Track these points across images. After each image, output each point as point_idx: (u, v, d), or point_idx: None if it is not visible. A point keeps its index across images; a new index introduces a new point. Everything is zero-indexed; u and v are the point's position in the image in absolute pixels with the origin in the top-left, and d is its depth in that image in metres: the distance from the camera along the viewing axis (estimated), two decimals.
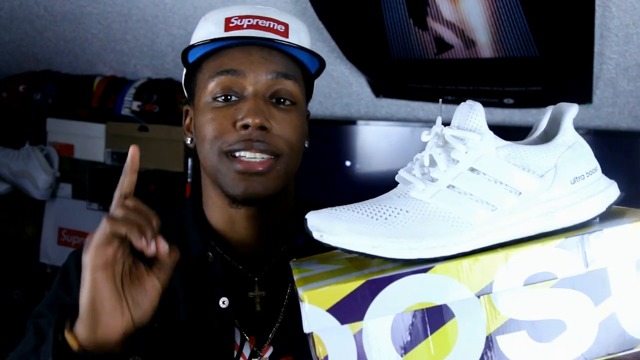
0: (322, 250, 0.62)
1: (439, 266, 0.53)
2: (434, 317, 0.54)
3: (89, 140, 2.19)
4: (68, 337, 0.64)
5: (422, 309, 0.54)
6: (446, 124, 0.60)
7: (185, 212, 0.88)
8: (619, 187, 0.64)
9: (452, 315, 0.54)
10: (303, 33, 0.84)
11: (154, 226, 0.65)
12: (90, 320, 0.63)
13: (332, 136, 1.90)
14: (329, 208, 0.58)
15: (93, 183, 2.13)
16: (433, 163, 0.59)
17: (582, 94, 1.57)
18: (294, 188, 0.89)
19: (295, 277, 0.61)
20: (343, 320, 0.53)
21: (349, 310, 0.53)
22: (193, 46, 0.79)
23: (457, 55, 1.53)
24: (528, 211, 0.57)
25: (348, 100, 1.93)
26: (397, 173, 0.62)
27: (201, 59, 0.82)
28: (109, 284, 0.63)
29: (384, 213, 0.56)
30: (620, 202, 0.64)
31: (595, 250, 0.55)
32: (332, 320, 0.53)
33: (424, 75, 1.68)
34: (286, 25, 0.81)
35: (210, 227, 0.86)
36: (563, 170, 0.58)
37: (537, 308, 0.55)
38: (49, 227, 2.30)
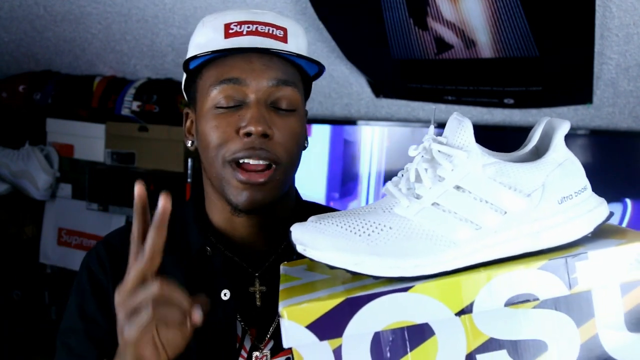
0: None
1: (419, 285, 0.53)
2: (414, 335, 0.54)
3: (89, 140, 2.19)
4: None
5: (402, 327, 0.54)
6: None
7: (187, 211, 0.90)
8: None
9: (432, 333, 0.54)
10: (301, 36, 0.85)
11: (186, 304, 0.65)
12: None
13: (332, 136, 1.90)
14: (314, 221, 0.58)
15: (93, 183, 2.13)
16: (418, 179, 0.58)
17: (583, 94, 1.57)
18: (294, 189, 0.92)
19: (281, 287, 0.61)
20: (322, 337, 0.53)
21: (328, 327, 0.53)
22: (195, 57, 0.80)
23: (457, 55, 1.53)
24: (513, 231, 0.56)
25: (348, 100, 1.93)
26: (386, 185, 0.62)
27: (201, 66, 0.83)
28: (151, 348, 0.65)
29: (368, 229, 0.56)
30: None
31: (579, 273, 0.54)
32: (311, 337, 0.53)
33: (424, 75, 1.68)
34: (285, 30, 0.82)
35: (212, 226, 0.88)
36: (551, 190, 0.58)
37: (519, 328, 0.55)
38: (49, 227, 2.30)
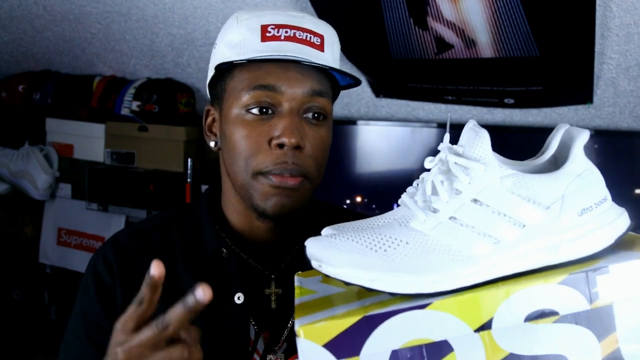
0: None
1: (437, 302, 0.52)
2: (433, 352, 0.53)
3: (89, 140, 2.18)
4: None
5: (421, 344, 0.53)
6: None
7: (200, 210, 0.88)
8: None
9: (450, 350, 0.53)
10: (336, 43, 0.84)
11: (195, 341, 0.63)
12: None
13: (332, 136, 1.90)
14: (329, 235, 0.57)
15: (92, 183, 2.13)
16: (435, 191, 0.57)
17: (583, 94, 1.56)
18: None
19: (296, 302, 0.60)
20: (339, 356, 0.52)
21: (345, 346, 0.52)
22: (231, 62, 0.78)
23: (458, 55, 1.53)
24: (532, 244, 0.55)
25: (348, 100, 1.93)
26: (400, 192, 0.61)
27: (232, 66, 0.80)
28: None
29: (384, 244, 0.55)
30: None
31: (600, 288, 0.53)
32: (328, 356, 0.52)
33: (424, 75, 1.68)
34: (322, 37, 0.80)
35: (228, 226, 0.87)
36: (570, 201, 0.56)
37: (539, 343, 0.54)
38: (49, 227, 2.30)
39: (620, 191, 1.53)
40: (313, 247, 0.56)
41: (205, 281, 0.82)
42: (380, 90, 1.84)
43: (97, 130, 2.15)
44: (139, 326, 0.62)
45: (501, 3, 1.33)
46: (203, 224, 0.86)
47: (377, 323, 0.52)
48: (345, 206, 1.87)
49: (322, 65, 0.78)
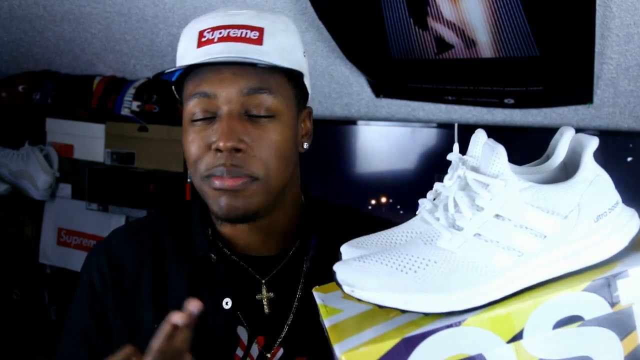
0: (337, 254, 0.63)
1: (471, 318, 0.54)
2: None
3: (89, 140, 2.18)
4: None
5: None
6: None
7: (193, 212, 0.88)
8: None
9: None
10: (281, 33, 0.80)
11: None
12: None
13: (332, 136, 1.90)
14: (357, 259, 0.58)
15: (93, 183, 2.13)
16: (457, 209, 0.59)
17: (583, 94, 1.56)
18: (299, 192, 0.89)
19: (327, 323, 0.61)
20: None
21: None
22: (163, 72, 0.78)
23: (458, 55, 1.53)
24: (553, 253, 0.57)
25: (348, 100, 1.93)
26: (418, 207, 0.63)
27: (182, 76, 0.81)
28: None
29: (413, 265, 0.56)
30: None
31: (621, 291, 0.56)
32: None
33: (424, 75, 1.68)
34: (261, 30, 0.77)
35: (218, 231, 0.87)
36: (586, 209, 0.59)
37: (565, 347, 0.56)
38: (49, 227, 2.30)
39: (620, 192, 1.52)
40: (343, 272, 0.57)
41: (195, 284, 0.83)
42: (380, 90, 1.84)
43: (97, 130, 2.15)
44: None
45: (501, 3, 1.33)
46: (195, 226, 0.86)
47: (415, 344, 0.54)
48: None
49: (250, 60, 0.75)
